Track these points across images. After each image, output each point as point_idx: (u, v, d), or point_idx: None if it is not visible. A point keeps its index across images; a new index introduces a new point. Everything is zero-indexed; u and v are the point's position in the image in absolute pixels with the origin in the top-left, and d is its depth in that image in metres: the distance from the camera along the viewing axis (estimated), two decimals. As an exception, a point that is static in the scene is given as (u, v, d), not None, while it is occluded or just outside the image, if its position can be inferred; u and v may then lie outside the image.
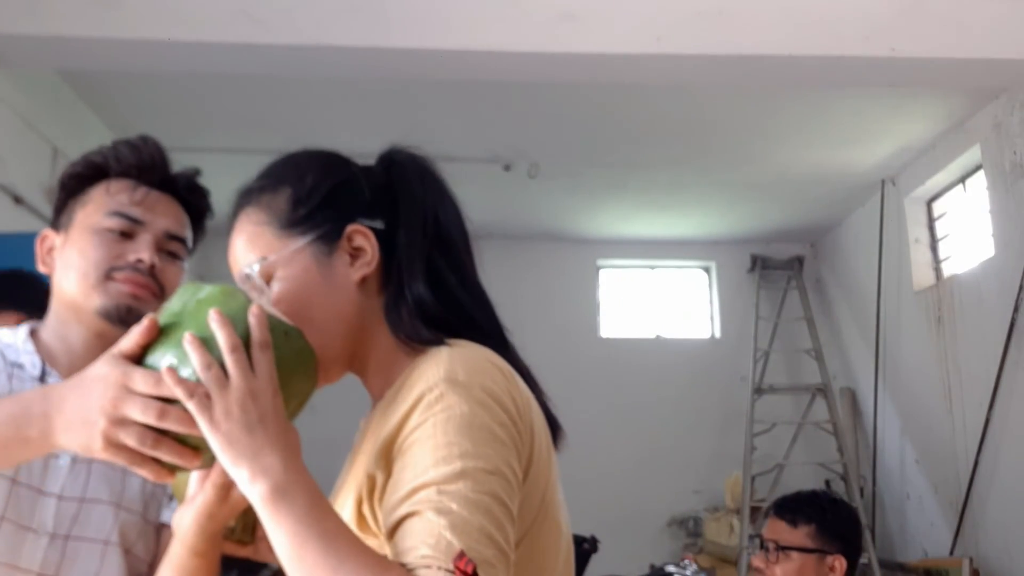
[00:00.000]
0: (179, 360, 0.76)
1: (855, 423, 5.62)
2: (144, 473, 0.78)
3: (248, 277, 0.91)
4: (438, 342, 0.86)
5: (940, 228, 4.93)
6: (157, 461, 0.78)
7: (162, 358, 0.77)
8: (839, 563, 1.84)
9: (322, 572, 0.72)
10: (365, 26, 2.68)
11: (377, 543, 0.80)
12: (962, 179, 4.65)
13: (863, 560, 4.15)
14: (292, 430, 0.78)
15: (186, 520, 0.89)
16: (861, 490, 5.24)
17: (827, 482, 5.33)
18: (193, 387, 0.74)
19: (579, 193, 5.20)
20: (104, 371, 0.78)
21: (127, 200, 1.17)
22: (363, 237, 0.91)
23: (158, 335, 0.79)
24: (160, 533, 1.17)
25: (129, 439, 0.75)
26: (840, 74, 2.97)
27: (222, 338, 0.76)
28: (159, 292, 1.17)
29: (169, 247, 1.21)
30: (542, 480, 0.85)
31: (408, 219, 0.93)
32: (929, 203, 4.98)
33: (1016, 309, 3.90)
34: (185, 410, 0.75)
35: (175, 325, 0.79)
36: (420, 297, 0.90)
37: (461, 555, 0.71)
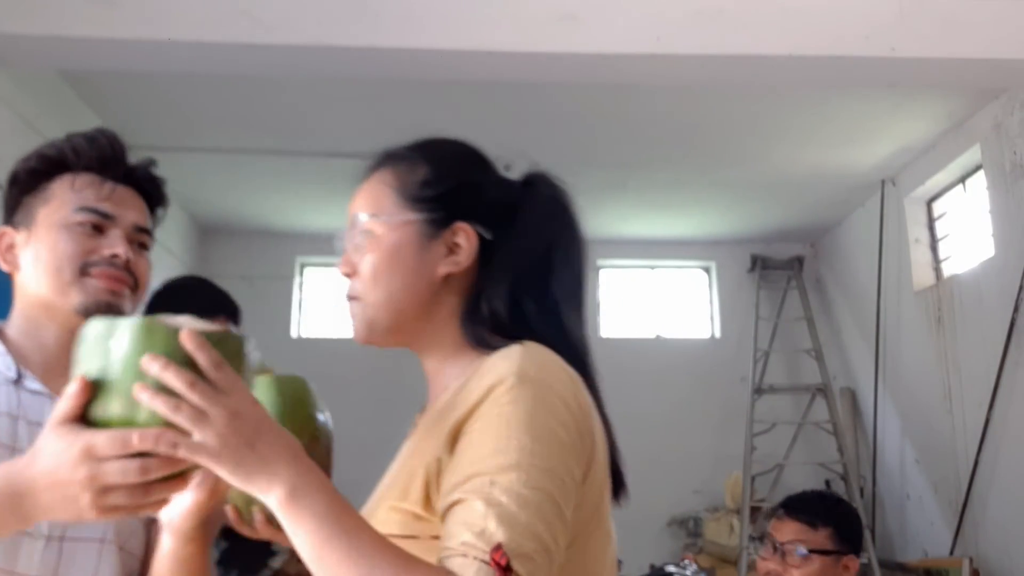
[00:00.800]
0: (129, 407, 0.72)
1: (855, 423, 5.62)
2: (146, 514, 0.79)
3: (356, 223, 0.97)
4: (506, 345, 0.88)
5: (940, 228, 4.93)
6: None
7: (107, 408, 0.73)
8: (853, 563, 1.83)
9: (346, 569, 0.72)
10: (365, 26, 2.68)
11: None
12: (962, 179, 4.65)
13: (863, 560, 4.15)
14: (287, 434, 0.77)
15: (177, 514, 0.90)
16: (861, 490, 5.24)
17: (827, 482, 5.33)
18: (175, 438, 0.71)
19: (578, 193, 5.17)
20: (62, 446, 0.73)
21: (94, 195, 1.17)
22: (465, 237, 0.95)
23: (92, 391, 0.74)
24: (150, 529, 1.16)
25: (121, 500, 0.74)
26: (840, 74, 2.97)
27: (173, 379, 0.72)
28: (134, 286, 1.18)
29: (139, 239, 1.21)
30: (598, 486, 0.86)
31: (520, 242, 0.96)
32: (929, 203, 4.98)
33: (1016, 309, 3.90)
34: (161, 455, 0.72)
35: (107, 380, 0.74)
36: (496, 312, 0.93)
37: (498, 547, 0.73)
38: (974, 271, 4.34)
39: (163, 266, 5.28)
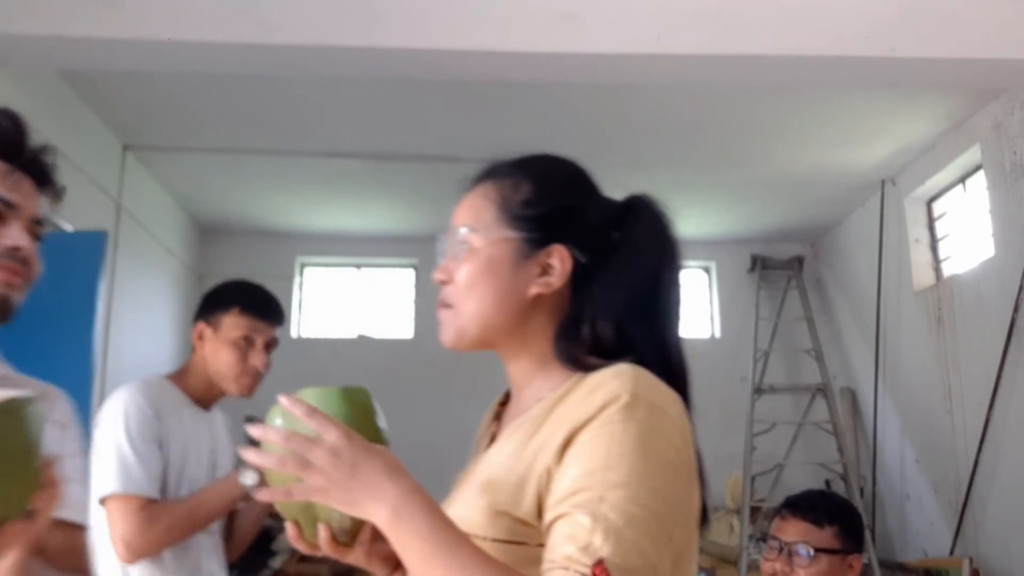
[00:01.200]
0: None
1: (855, 423, 5.62)
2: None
3: (455, 233, 0.99)
4: (603, 366, 0.89)
5: (940, 228, 4.93)
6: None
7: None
8: (857, 562, 1.83)
9: None
10: (365, 26, 2.68)
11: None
12: (962, 179, 4.65)
13: (863, 560, 4.15)
14: (382, 452, 0.83)
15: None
16: (861, 490, 5.24)
17: (827, 482, 5.33)
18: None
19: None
20: None
21: None
22: (560, 260, 0.96)
23: None
24: None
25: None
26: (840, 74, 2.97)
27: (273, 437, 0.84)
28: (30, 278, 1.13)
29: (36, 231, 1.14)
30: (695, 511, 0.87)
31: (624, 267, 0.97)
32: (929, 203, 4.98)
33: (1016, 309, 3.90)
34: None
35: None
36: (601, 336, 0.94)
37: (600, 562, 0.74)
38: (974, 271, 4.34)
39: (163, 266, 5.28)
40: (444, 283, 1.00)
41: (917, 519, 4.89)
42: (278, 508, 0.89)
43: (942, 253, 4.90)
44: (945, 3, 2.77)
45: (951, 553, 4.35)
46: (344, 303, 6.35)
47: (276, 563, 4.65)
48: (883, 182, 5.06)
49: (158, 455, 1.76)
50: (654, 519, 0.78)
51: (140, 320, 4.87)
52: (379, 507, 0.79)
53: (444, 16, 2.69)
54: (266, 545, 4.70)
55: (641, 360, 0.90)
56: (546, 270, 0.96)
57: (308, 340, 6.08)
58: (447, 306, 0.99)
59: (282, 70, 2.98)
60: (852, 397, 5.67)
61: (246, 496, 1.72)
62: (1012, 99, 3.94)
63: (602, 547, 0.74)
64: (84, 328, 2.86)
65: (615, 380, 0.85)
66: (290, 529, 0.89)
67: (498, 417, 1.07)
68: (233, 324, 1.86)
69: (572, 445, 0.83)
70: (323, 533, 0.86)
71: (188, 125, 4.36)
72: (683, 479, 0.83)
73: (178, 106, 4.12)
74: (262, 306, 1.92)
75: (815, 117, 4.23)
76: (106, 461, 1.72)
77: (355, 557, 0.89)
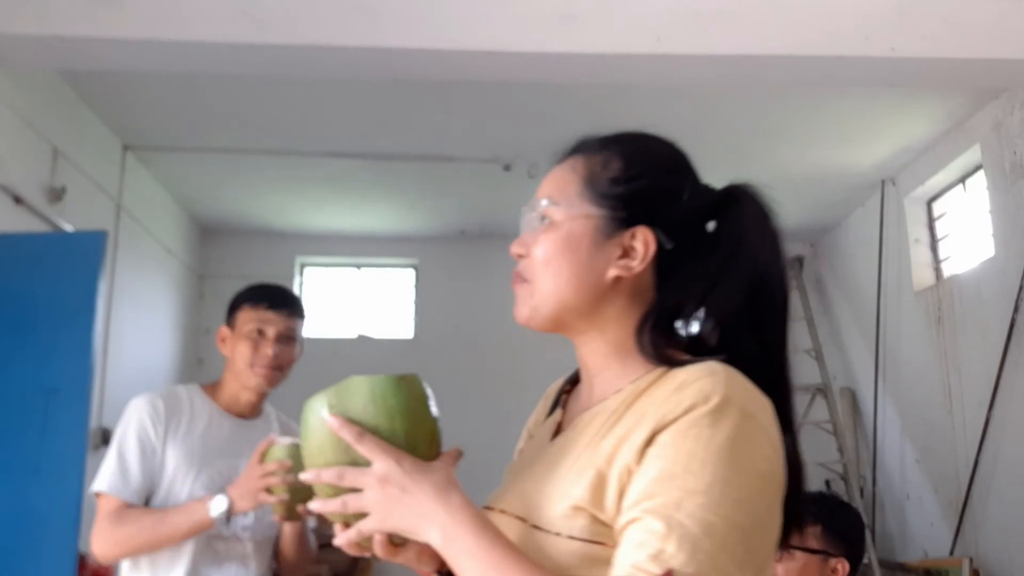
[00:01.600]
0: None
1: (855, 423, 5.62)
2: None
3: (536, 205, 0.96)
4: (690, 362, 0.85)
5: (940, 228, 4.93)
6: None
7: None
8: (842, 566, 1.81)
9: None
10: (365, 26, 2.68)
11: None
12: (962, 179, 4.65)
13: (863, 560, 4.15)
14: (432, 473, 0.82)
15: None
16: (861, 490, 5.24)
17: (827, 482, 5.33)
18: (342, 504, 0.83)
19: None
20: None
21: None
22: (643, 242, 0.91)
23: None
24: None
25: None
26: (840, 74, 2.97)
27: (329, 478, 0.83)
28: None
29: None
30: (779, 527, 0.81)
31: (728, 262, 0.91)
32: (929, 203, 4.98)
33: (1016, 309, 3.90)
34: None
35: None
36: (697, 332, 0.89)
37: (670, 572, 0.70)
38: (974, 271, 4.34)
39: (163, 266, 5.28)
40: (521, 256, 0.96)
41: (917, 519, 4.89)
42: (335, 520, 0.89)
43: (942, 253, 4.90)
44: (945, 3, 2.77)
45: (951, 553, 4.35)
46: (344, 303, 6.35)
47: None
48: (883, 182, 5.06)
49: (147, 464, 1.83)
50: (736, 531, 0.72)
51: (140, 320, 4.87)
52: (430, 530, 0.78)
53: (444, 16, 2.69)
54: (266, 545, 4.69)
55: (735, 360, 0.84)
56: (628, 252, 0.91)
57: (308, 340, 6.05)
58: (523, 280, 0.95)
59: (282, 70, 2.97)
60: (852, 397, 5.67)
61: (291, 514, 1.73)
62: (1012, 99, 3.94)
63: (675, 556, 0.70)
64: (84, 328, 2.86)
65: (706, 379, 0.80)
66: (340, 530, 0.87)
67: (563, 405, 1.03)
68: (245, 319, 1.96)
69: (653, 445, 0.78)
70: (378, 536, 0.84)
71: (188, 125, 4.36)
72: (771, 492, 0.78)
73: (178, 106, 4.11)
74: (268, 297, 2.00)
75: (815, 117, 4.23)
76: (105, 459, 1.84)
77: (406, 557, 0.88)
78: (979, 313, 4.25)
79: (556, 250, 0.92)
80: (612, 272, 0.90)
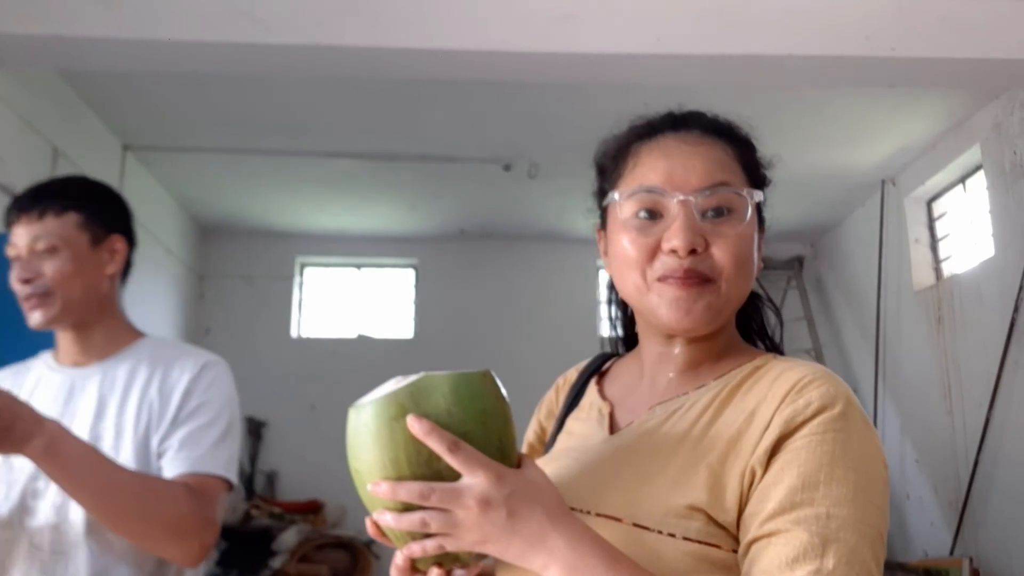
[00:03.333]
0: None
1: (855, 423, 5.61)
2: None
3: (742, 197, 0.86)
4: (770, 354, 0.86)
5: (940, 228, 4.93)
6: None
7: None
8: None
9: None
10: (365, 26, 2.68)
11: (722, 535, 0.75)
12: (962, 179, 4.65)
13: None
14: (542, 493, 0.72)
15: None
16: (861, 490, 5.24)
17: (827, 482, 5.32)
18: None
19: (579, 193, 5.16)
20: None
21: None
22: (754, 223, 0.88)
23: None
24: None
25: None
26: (840, 74, 2.97)
27: (406, 496, 0.71)
28: None
29: None
30: None
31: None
32: (929, 203, 4.98)
33: (1016, 309, 3.90)
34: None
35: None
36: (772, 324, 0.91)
37: None
38: (974, 271, 4.34)
39: (163, 266, 5.28)
40: (694, 252, 0.83)
41: (917, 519, 4.89)
42: (388, 534, 0.76)
43: (942, 253, 4.90)
44: (945, 3, 2.77)
45: (951, 553, 4.35)
46: (344, 303, 6.35)
47: (276, 563, 4.65)
48: (883, 182, 5.06)
49: None
50: (880, 540, 0.71)
51: (140, 320, 4.85)
52: (548, 561, 0.70)
53: (444, 16, 2.69)
54: (266, 545, 4.70)
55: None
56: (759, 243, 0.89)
57: (308, 340, 6.08)
58: (706, 280, 0.84)
59: (282, 70, 2.98)
60: (852, 397, 5.67)
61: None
62: (1012, 99, 3.94)
63: (835, 571, 0.67)
64: (84, 328, 2.86)
65: (826, 381, 0.77)
66: (399, 558, 0.77)
67: (601, 395, 0.97)
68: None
69: (784, 451, 0.74)
70: (436, 571, 0.76)
71: (188, 125, 4.36)
72: (887, 496, 0.77)
73: (178, 106, 4.12)
74: (13, 205, 1.53)
75: (815, 117, 4.23)
76: (221, 444, 1.49)
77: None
78: (979, 313, 4.25)
79: (750, 247, 0.85)
80: (760, 264, 0.88)
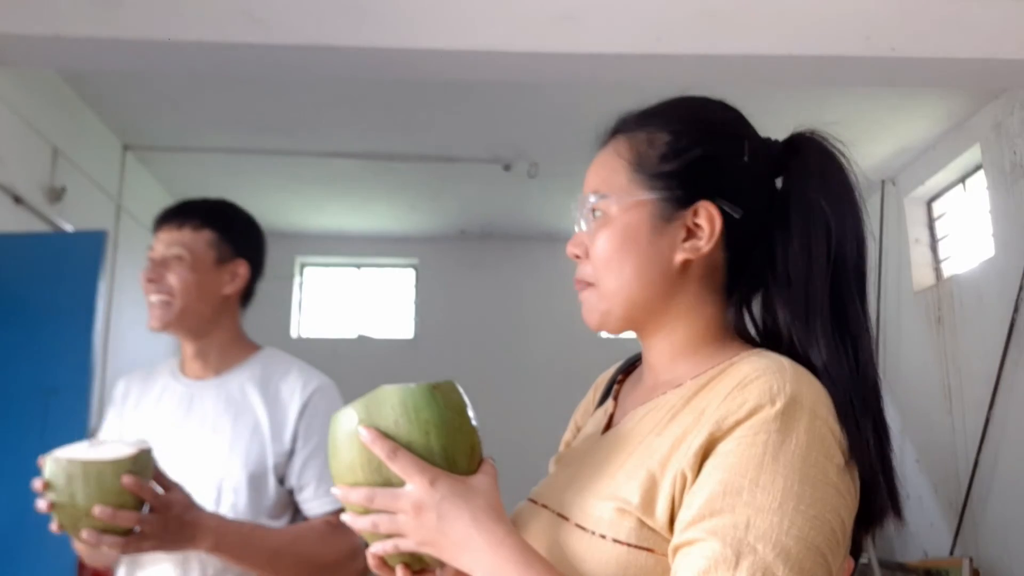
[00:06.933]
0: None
1: (855, 423, 5.61)
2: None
3: (584, 203, 0.87)
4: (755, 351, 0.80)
5: (940, 228, 4.93)
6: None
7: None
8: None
9: None
10: (365, 26, 2.68)
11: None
12: (962, 179, 4.65)
13: (863, 560, 4.15)
14: (471, 497, 0.74)
15: None
16: (861, 490, 5.24)
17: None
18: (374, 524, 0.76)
19: (579, 193, 5.19)
20: None
21: None
22: (707, 218, 0.82)
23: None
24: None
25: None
26: (840, 74, 2.97)
27: (358, 499, 0.76)
28: None
29: None
30: (851, 532, 0.74)
31: (783, 227, 0.83)
32: (929, 203, 4.98)
33: (1016, 309, 3.90)
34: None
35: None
36: (761, 319, 0.84)
37: None
38: (974, 271, 4.34)
39: (163, 266, 5.28)
40: (578, 259, 0.87)
41: (917, 519, 4.89)
42: (365, 537, 0.83)
43: (942, 253, 4.90)
44: (945, 3, 2.77)
45: (951, 553, 4.35)
46: (344, 303, 6.35)
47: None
48: (883, 182, 5.06)
49: None
50: (813, 554, 0.65)
51: (140, 320, 4.85)
52: (470, 563, 0.72)
53: (443, 16, 2.69)
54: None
55: (803, 352, 0.77)
56: (693, 232, 0.83)
57: (308, 340, 6.08)
58: (588, 284, 0.86)
59: (282, 70, 2.97)
60: (852, 397, 5.67)
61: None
62: (1012, 99, 3.94)
63: None
64: (84, 328, 2.86)
65: (771, 377, 0.72)
66: (372, 560, 0.81)
67: (615, 396, 0.95)
68: None
69: (714, 453, 0.70)
70: (400, 571, 0.79)
71: (188, 125, 4.36)
72: (846, 503, 0.71)
73: (178, 106, 4.12)
74: (160, 217, 1.62)
75: (815, 117, 4.21)
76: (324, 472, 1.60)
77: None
78: (979, 313, 4.25)
79: (615, 246, 0.83)
80: (679, 257, 0.82)
